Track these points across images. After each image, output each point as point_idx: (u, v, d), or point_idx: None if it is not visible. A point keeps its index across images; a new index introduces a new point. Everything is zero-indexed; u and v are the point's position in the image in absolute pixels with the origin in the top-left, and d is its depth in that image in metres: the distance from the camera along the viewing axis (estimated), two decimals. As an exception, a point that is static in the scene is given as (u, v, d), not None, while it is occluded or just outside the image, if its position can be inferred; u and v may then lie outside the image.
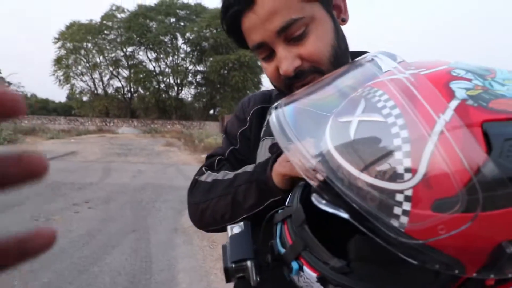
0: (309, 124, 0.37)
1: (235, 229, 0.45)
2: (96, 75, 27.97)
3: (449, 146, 0.27)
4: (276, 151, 0.65)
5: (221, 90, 26.65)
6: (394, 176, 0.28)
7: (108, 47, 26.96)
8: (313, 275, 0.36)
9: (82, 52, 26.50)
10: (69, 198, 5.06)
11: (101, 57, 27.25)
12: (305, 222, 0.39)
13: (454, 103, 0.29)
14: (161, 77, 27.47)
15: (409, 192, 0.27)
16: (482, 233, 0.27)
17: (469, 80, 0.31)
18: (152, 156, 10.71)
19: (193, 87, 29.42)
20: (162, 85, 27.67)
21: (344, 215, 0.30)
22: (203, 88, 28.84)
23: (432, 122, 0.28)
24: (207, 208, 0.63)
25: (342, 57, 0.59)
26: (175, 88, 28.43)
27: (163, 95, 27.26)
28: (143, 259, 3.08)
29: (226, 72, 24.93)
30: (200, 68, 28.45)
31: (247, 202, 0.58)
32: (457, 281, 0.30)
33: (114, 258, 3.08)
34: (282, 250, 0.40)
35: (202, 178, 0.69)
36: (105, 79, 28.52)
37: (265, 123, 0.72)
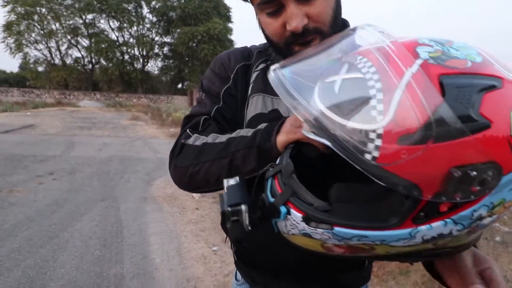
0: (303, 85, 0.42)
1: (231, 181, 0.49)
2: (52, 44, 25.98)
3: (414, 92, 0.33)
4: (275, 117, 0.67)
5: (190, 64, 25.90)
6: (370, 119, 0.34)
7: (65, 13, 24.92)
8: (299, 215, 0.42)
9: (36, 17, 24.31)
10: (31, 170, 4.92)
11: (57, 24, 25.22)
12: (294, 172, 0.45)
13: (419, 61, 0.36)
14: (125, 48, 26.11)
15: (380, 131, 0.34)
16: (434, 160, 0.33)
17: (431, 46, 0.38)
18: (117, 129, 10.42)
19: (159, 59, 28.34)
20: (127, 57, 26.38)
21: (328, 143, 0.37)
22: (171, 61, 27.86)
23: (401, 73, 0.35)
24: (198, 171, 0.65)
25: (339, 20, 0.65)
26: (141, 60, 27.21)
27: (128, 67, 26.03)
28: (113, 225, 3.16)
29: (194, 44, 24.18)
30: (167, 39, 27.34)
31: (246, 167, 0.59)
32: (416, 208, 0.36)
33: (84, 224, 3.13)
34: (272, 199, 0.46)
35: (190, 141, 0.69)
36: (63, 48, 26.63)
37: (251, 80, 0.73)
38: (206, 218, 3.40)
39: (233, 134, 0.64)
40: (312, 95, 0.40)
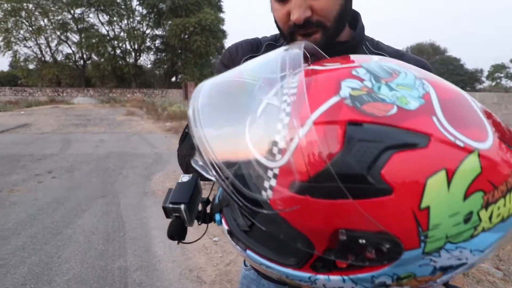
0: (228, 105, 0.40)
1: (184, 178, 0.51)
2: (41, 40, 25.51)
3: (311, 138, 0.30)
4: None
5: (183, 56, 25.64)
6: (271, 155, 0.32)
7: (53, 8, 24.44)
8: (226, 228, 0.44)
9: (23, 14, 23.83)
10: (29, 170, 4.94)
11: (45, 20, 24.71)
12: None
13: (334, 99, 0.32)
14: (116, 42, 25.70)
15: (276, 171, 0.31)
16: (316, 216, 0.31)
17: (362, 80, 0.33)
18: (113, 126, 10.39)
19: (152, 53, 28.00)
20: (118, 51, 25.99)
21: (212, 178, 0.34)
22: (163, 54, 27.55)
23: (309, 113, 0.31)
24: (188, 157, 0.68)
25: (346, 16, 0.65)
26: (133, 54, 26.86)
27: (120, 62, 25.68)
28: (115, 220, 3.22)
29: (187, 36, 23.88)
30: (158, 32, 26.96)
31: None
32: (312, 255, 0.35)
33: (85, 220, 3.18)
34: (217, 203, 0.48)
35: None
36: (53, 44, 26.18)
37: None
38: (206, 209, 3.47)
39: None
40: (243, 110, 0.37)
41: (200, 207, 0.51)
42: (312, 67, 0.38)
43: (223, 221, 0.44)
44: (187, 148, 0.70)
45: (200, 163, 0.36)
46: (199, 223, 0.49)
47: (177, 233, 0.48)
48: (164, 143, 7.19)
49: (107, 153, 6.24)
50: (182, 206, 0.46)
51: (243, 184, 0.33)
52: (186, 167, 0.70)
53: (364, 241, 0.30)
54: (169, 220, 0.51)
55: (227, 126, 0.38)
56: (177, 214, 0.47)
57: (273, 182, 0.32)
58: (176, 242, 0.50)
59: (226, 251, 2.64)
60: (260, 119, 0.35)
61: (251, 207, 0.33)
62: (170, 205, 0.47)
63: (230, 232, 0.43)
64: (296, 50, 0.38)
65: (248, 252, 0.40)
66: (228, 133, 0.37)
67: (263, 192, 0.32)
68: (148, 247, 2.70)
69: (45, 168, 5.04)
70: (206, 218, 0.50)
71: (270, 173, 0.32)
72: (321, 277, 0.35)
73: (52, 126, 10.05)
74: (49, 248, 2.65)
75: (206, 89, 0.40)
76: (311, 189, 0.30)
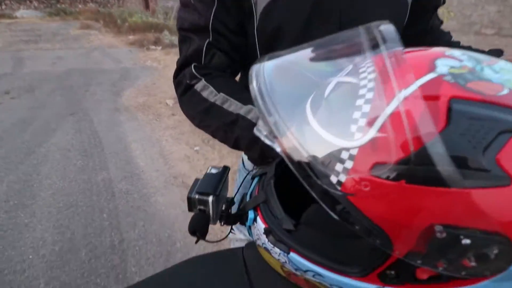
0: (293, 83, 0.35)
1: (213, 169, 0.46)
2: None
3: (407, 114, 0.25)
4: None
5: (137, -44, 22.08)
6: (346, 134, 0.27)
7: None
8: (262, 226, 0.38)
9: None
10: (-17, 91, 4.51)
11: None
12: (273, 178, 0.41)
13: (430, 75, 0.27)
14: None
15: (354, 151, 0.27)
16: (409, 206, 0.25)
17: (460, 60, 0.29)
18: (69, 41, 9.35)
19: (99, -48, 23.80)
20: (58, -50, 21.84)
21: (278, 148, 0.30)
22: (113, -47, 23.54)
23: (402, 87, 0.27)
24: (206, 128, 0.64)
25: None
26: (76, -47, 22.73)
27: (63, -36, 21.84)
28: (90, 136, 3.13)
29: None
30: None
31: (249, 153, 0.59)
32: (385, 261, 0.29)
33: (58, 138, 3.08)
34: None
35: (197, 87, 0.63)
36: None
37: None
38: (184, 122, 3.41)
39: (243, 111, 0.58)
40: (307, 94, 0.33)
41: (223, 206, 0.46)
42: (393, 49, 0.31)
43: (258, 218, 0.39)
44: (195, 110, 0.64)
45: (265, 132, 0.32)
46: (222, 223, 0.45)
47: (199, 228, 0.42)
48: (129, 58, 6.65)
49: (68, 70, 5.74)
50: (210, 198, 0.42)
51: (309, 168, 0.28)
52: (198, 127, 0.66)
53: (468, 241, 0.24)
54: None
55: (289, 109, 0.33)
56: (202, 207, 0.43)
57: (348, 164, 0.26)
58: (195, 239, 0.43)
59: (208, 158, 2.70)
60: (329, 99, 0.30)
61: (326, 188, 0.27)
62: (197, 196, 0.42)
63: (268, 231, 0.37)
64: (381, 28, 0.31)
65: (292, 254, 0.35)
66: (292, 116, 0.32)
67: (333, 177, 0.27)
68: (129, 160, 2.71)
69: (0, 89, 4.62)
70: (230, 219, 0.45)
71: (345, 155, 0.27)
72: None
73: (-3, 43, 8.90)
74: (25, 167, 2.59)
75: (268, 71, 0.34)
76: (408, 173, 0.24)
